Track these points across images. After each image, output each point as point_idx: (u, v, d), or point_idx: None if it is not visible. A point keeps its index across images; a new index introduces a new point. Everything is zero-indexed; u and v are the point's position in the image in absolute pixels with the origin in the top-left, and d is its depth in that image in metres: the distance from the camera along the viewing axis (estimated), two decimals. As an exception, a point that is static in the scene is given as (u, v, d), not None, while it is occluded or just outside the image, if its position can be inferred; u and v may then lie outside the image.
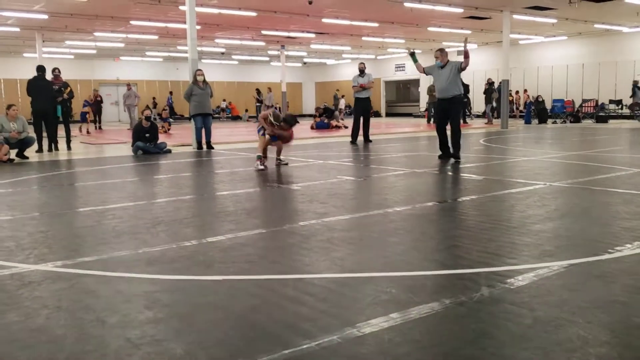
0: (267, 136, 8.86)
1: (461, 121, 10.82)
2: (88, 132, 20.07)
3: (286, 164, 9.10)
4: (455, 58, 11.59)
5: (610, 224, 4.55)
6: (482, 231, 4.43)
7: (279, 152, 9.26)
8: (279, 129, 8.86)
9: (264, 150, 8.93)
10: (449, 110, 9.59)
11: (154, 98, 33.56)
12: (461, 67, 9.24)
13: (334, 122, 21.41)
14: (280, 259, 3.74)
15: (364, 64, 14.52)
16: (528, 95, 26.82)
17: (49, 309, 2.90)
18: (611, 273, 3.31)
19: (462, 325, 2.59)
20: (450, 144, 9.61)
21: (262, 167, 8.67)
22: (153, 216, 5.26)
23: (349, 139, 14.12)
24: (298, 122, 9.31)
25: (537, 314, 2.69)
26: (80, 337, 2.53)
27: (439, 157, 9.72)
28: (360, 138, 14.11)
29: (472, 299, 2.90)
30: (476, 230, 4.48)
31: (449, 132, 9.64)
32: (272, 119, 8.82)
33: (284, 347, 2.38)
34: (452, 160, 9.40)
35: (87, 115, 21.54)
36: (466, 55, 9.28)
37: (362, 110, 14.21)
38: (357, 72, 14.12)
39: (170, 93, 21.91)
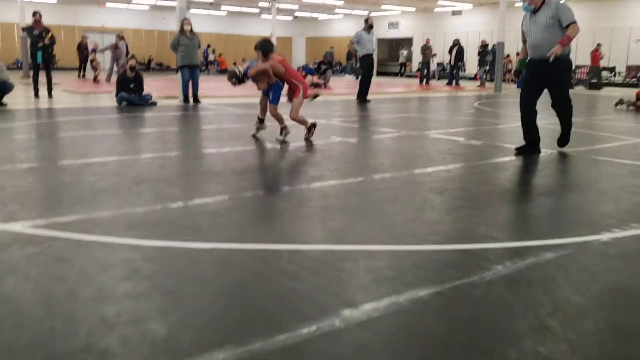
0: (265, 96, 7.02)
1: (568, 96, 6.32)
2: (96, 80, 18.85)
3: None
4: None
5: (621, 199, 4.31)
6: (488, 202, 4.17)
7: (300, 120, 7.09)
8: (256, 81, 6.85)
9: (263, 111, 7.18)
10: (546, 80, 6.03)
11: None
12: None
13: (315, 78, 18.53)
14: (273, 227, 3.46)
15: (372, 19, 13.51)
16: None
17: (16, 276, 2.61)
18: (631, 254, 3.08)
19: (476, 311, 2.34)
20: (561, 130, 6.46)
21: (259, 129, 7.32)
22: (136, 173, 4.93)
23: (337, 97, 13.67)
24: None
25: (558, 299, 2.45)
26: (48, 312, 2.25)
27: (518, 150, 6.24)
28: (353, 97, 13.71)
29: (483, 279, 2.65)
30: (481, 200, 4.22)
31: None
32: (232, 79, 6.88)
33: (279, 330, 2.12)
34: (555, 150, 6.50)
35: (94, 63, 19.96)
36: None
37: (371, 67, 13.68)
38: (363, 27, 13.05)
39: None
